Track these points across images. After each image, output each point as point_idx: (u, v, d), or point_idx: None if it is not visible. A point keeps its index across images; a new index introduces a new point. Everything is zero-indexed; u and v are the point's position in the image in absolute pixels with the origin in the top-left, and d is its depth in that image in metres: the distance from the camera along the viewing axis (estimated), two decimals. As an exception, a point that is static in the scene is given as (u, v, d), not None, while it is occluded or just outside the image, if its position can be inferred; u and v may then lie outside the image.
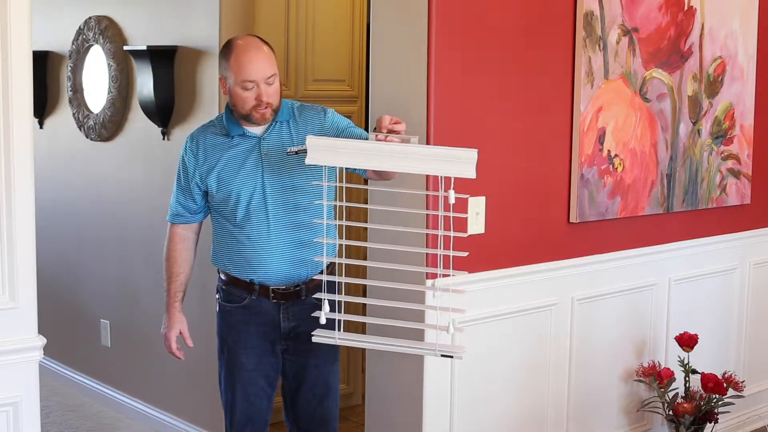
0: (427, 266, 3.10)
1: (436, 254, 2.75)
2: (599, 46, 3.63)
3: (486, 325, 3.41)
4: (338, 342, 2.81)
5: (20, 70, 2.42)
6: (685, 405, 3.83)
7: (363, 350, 3.99)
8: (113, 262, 4.77)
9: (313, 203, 2.91)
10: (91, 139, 4.83)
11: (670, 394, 3.89)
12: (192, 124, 4.00)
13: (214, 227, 3.05)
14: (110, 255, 4.79)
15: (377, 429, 3.44)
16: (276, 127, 2.96)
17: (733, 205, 4.33)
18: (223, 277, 3.06)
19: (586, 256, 3.74)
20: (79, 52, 4.85)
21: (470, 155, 2.60)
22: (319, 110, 3.02)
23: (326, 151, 2.69)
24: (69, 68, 4.93)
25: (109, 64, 4.62)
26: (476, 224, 3.33)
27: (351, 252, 4.25)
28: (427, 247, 3.10)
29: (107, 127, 4.68)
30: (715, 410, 3.87)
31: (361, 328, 3.56)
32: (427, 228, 3.08)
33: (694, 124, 4.10)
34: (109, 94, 4.64)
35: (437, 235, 2.74)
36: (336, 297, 2.82)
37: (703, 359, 4.08)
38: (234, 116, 2.94)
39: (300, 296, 2.99)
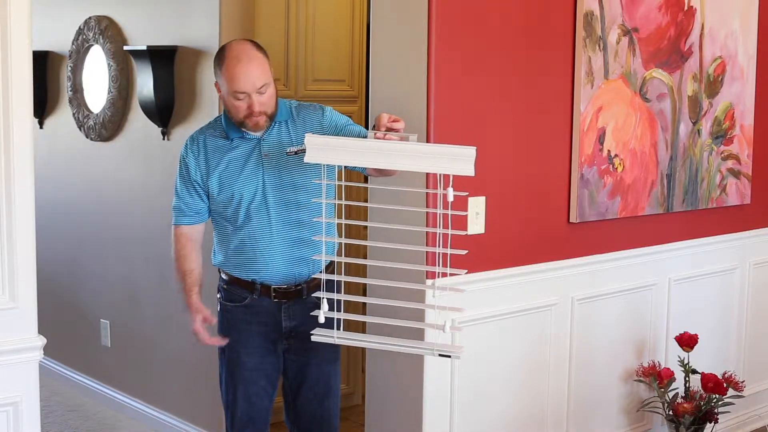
0: (427, 265, 3.10)
1: (436, 253, 2.75)
2: (599, 46, 3.63)
3: (486, 325, 3.42)
4: (337, 341, 2.81)
5: (20, 70, 2.42)
6: (685, 405, 3.83)
7: (363, 350, 3.99)
8: (113, 262, 4.77)
9: (312, 201, 2.91)
10: (91, 139, 4.83)
11: (670, 394, 3.89)
12: (192, 124, 4.00)
13: (215, 227, 3.05)
14: (110, 255, 4.79)
15: (377, 429, 3.44)
16: (275, 128, 2.96)
17: (733, 205, 4.33)
18: (224, 276, 3.06)
19: (586, 256, 3.74)
20: (79, 52, 4.85)
21: (468, 153, 2.60)
22: (318, 109, 3.02)
23: (325, 150, 2.69)
24: (69, 68, 4.93)
25: (109, 64, 4.62)
26: (476, 224, 3.33)
27: (351, 251, 4.26)
28: (427, 245, 3.10)
29: (107, 127, 4.68)
30: (715, 410, 3.87)
31: (362, 328, 3.56)
32: (427, 227, 3.08)
33: (694, 124, 4.10)
34: (109, 94, 4.64)
35: (437, 234, 2.75)
36: (334, 296, 2.82)
37: (703, 359, 4.08)
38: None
39: (301, 295, 2.99)
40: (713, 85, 4.16)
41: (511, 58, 3.42)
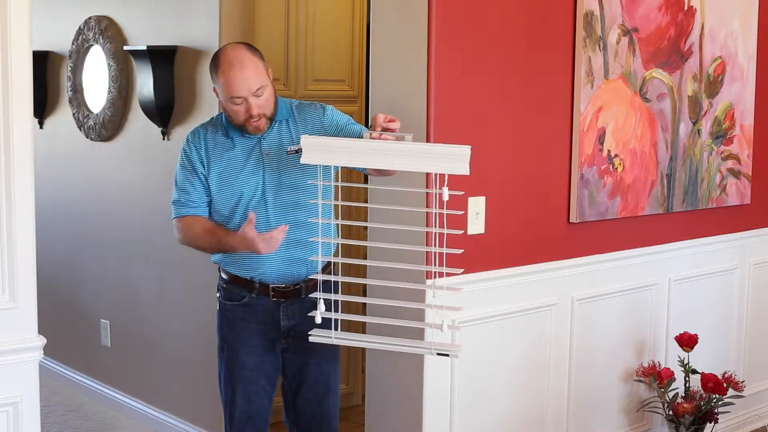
0: (426, 265, 3.10)
1: (435, 252, 2.75)
2: (599, 46, 3.63)
3: (486, 325, 3.42)
4: (334, 341, 2.81)
5: (20, 70, 2.42)
6: (685, 405, 3.83)
7: (363, 350, 3.99)
8: (113, 262, 4.77)
9: (309, 202, 2.91)
10: (91, 139, 4.83)
11: (670, 394, 3.89)
12: (192, 124, 4.00)
13: (213, 225, 3.04)
14: (110, 255, 4.79)
15: (377, 429, 3.44)
16: (276, 127, 2.96)
17: (733, 205, 4.33)
18: (224, 275, 3.06)
19: (586, 256, 3.74)
20: (79, 52, 4.85)
21: (463, 152, 2.61)
22: (318, 108, 3.03)
23: (320, 150, 2.70)
24: (69, 68, 4.93)
25: (109, 64, 4.62)
26: (476, 224, 3.33)
27: (352, 251, 4.27)
28: (426, 245, 3.10)
29: (107, 127, 4.68)
30: (715, 410, 3.87)
31: (362, 328, 3.56)
32: (427, 226, 3.08)
33: (694, 124, 4.10)
34: (109, 94, 4.64)
35: (434, 234, 2.75)
36: (331, 296, 2.82)
37: (703, 359, 4.08)
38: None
39: (300, 295, 2.99)
40: (713, 85, 4.16)
41: (511, 58, 3.42)
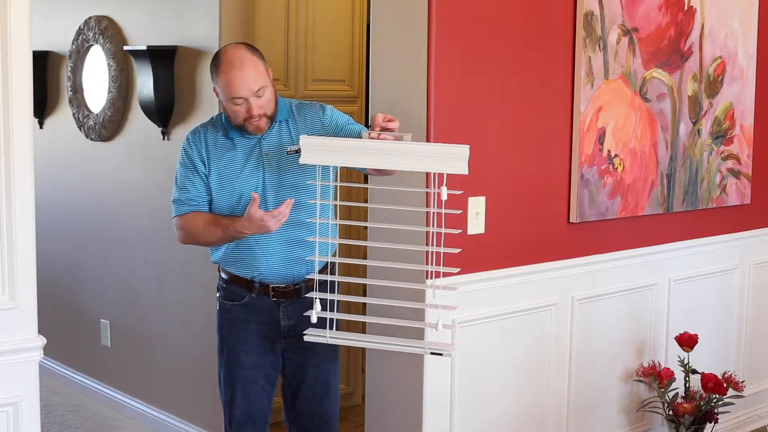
0: (425, 264, 3.10)
1: (433, 252, 2.76)
2: (599, 46, 3.63)
3: (486, 325, 3.42)
4: (330, 341, 2.82)
5: (20, 70, 2.42)
6: (685, 405, 3.83)
7: (363, 350, 3.99)
8: (113, 262, 4.77)
9: (308, 202, 2.91)
10: (91, 139, 4.83)
11: (670, 394, 3.89)
12: (192, 124, 4.00)
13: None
14: (110, 255, 4.79)
15: (377, 429, 3.44)
16: (275, 127, 2.97)
17: (733, 205, 4.33)
18: (223, 275, 3.06)
19: (586, 256, 3.74)
20: (79, 52, 4.85)
21: (462, 151, 2.61)
22: (318, 108, 3.03)
23: (319, 151, 2.70)
24: (69, 68, 4.93)
25: (109, 64, 4.62)
26: (476, 224, 3.33)
27: (352, 251, 4.27)
28: (426, 245, 3.10)
29: (107, 127, 4.68)
30: (715, 410, 3.87)
31: (362, 328, 3.56)
32: (426, 226, 3.08)
33: (694, 124, 4.10)
34: (109, 94, 4.64)
35: (432, 233, 2.75)
36: (327, 296, 2.82)
37: (703, 359, 4.08)
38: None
39: (299, 295, 2.99)
40: (713, 85, 4.16)
41: (511, 58, 3.42)
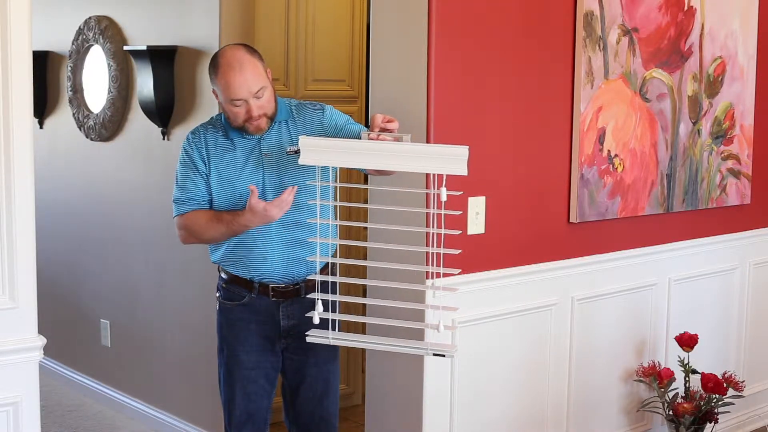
0: (425, 265, 3.10)
1: (433, 253, 2.76)
2: (599, 46, 3.63)
3: (486, 325, 3.42)
4: (332, 342, 2.81)
5: (20, 70, 2.42)
6: (685, 405, 3.83)
7: (363, 350, 3.99)
8: (113, 262, 4.77)
9: (308, 202, 2.91)
10: (91, 139, 4.83)
11: (670, 394, 3.89)
12: (192, 124, 4.00)
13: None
14: (110, 255, 4.79)
15: (377, 429, 3.44)
16: (275, 127, 2.97)
17: (733, 205, 4.33)
18: (223, 275, 3.06)
19: (586, 256, 3.74)
20: (79, 52, 4.85)
21: (461, 152, 2.61)
22: (318, 108, 3.03)
23: (319, 151, 2.70)
24: (69, 68, 4.93)
25: (109, 64, 4.62)
26: (476, 224, 3.33)
27: (352, 251, 4.27)
28: (426, 246, 3.10)
29: (107, 127, 4.68)
30: (715, 410, 3.87)
31: (362, 329, 3.56)
32: (426, 227, 3.08)
33: (694, 124, 4.10)
34: (109, 94, 4.64)
35: (432, 234, 2.75)
36: (329, 297, 2.82)
37: (703, 359, 4.08)
38: None
39: (300, 295, 2.99)
40: (713, 85, 4.16)
41: (511, 58, 3.42)
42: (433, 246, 2.74)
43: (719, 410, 3.89)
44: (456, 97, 3.26)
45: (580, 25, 3.57)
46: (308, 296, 2.91)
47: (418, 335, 3.02)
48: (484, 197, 3.35)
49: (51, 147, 5.14)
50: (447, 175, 2.66)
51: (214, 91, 2.93)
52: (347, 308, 3.80)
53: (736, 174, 4.32)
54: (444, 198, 2.64)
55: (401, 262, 3.01)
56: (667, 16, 3.90)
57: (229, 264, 3.02)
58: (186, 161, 2.98)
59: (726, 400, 3.89)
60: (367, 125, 2.98)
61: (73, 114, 4.94)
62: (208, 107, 4.02)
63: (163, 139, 4.32)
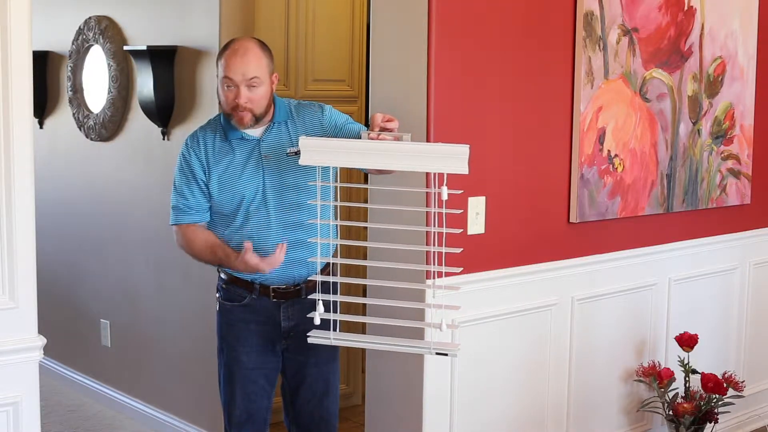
0: (426, 264, 3.10)
1: (434, 252, 2.75)
2: (599, 46, 3.63)
3: (486, 325, 3.42)
4: (333, 342, 2.81)
5: (20, 70, 2.42)
6: (685, 405, 3.83)
7: (363, 350, 3.99)
8: (113, 262, 4.77)
9: (308, 203, 2.91)
10: (91, 139, 4.83)
11: (670, 394, 3.89)
12: (192, 124, 4.01)
13: (213, 226, 3.03)
14: (110, 255, 4.79)
15: (377, 429, 3.44)
16: (274, 128, 2.96)
17: (733, 205, 4.33)
18: (223, 276, 3.06)
19: (586, 256, 3.74)
20: (79, 52, 4.85)
21: (462, 151, 2.60)
22: (317, 108, 3.02)
23: (319, 151, 2.70)
24: (69, 68, 4.93)
25: (109, 64, 4.62)
26: (476, 224, 3.33)
27: (352, 251, 4.27)
28: (426, 245, 3.10)
29: (107, 127, 4.68)
30: (715, 410, 3.88)
31: (362, 329, 3.56)
32: (427, 226, 3.08)
33: (694, 124, 4.10)
34: (109, 94, 4.64)
35: (433, 233, 2.75)
36: (330, 297, 2.82)
37: (703, 359, 4.08)
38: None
39: (300, 295, 2.99)
40: (713, 85, 4.17)
41: (511, 58, 3.42)
42: (434, 245, 2.74)
43: (719, 410, 3.89)
44: (456, 97, 3.26)
45: (580, 25, 3.57)
46: (309, 297, 2.91)
47: (419, 335, 3.02)
48: (484, 197, 3.35)
49: (51, 147, 5.14)
50: (447, 175, 2.66)
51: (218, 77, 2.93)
52: (348, 308, 3.80)
53: (736, 174, 4.33)
54: (445, 197, 2.64)
55: (401, 262, 3.01)
56: (667, 16, 3.90)
57: (230, 266, 3.02)
58: (183, 169, 2.98)
59: (726, 400, 3.89)
60: (367, 125, 2.98)
61: (73, 114, 4.94)
62: (208, 107, 4.02)
63: (163, 139, 4.32)
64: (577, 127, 3.60)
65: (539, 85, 3.51)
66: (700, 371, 3.92)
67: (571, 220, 3.65)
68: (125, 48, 4.43)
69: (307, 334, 2.83)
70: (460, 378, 3.35)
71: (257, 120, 2.91)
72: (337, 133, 2.97)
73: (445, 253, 2.73)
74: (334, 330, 2.80)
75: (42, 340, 2.52)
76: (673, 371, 3.89)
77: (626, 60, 3.75)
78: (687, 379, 3.93)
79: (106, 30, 4.61)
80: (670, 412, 3.87)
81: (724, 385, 3.86)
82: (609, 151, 3.72)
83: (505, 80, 3.41)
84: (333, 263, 3.04)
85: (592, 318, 3.79)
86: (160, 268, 4.44)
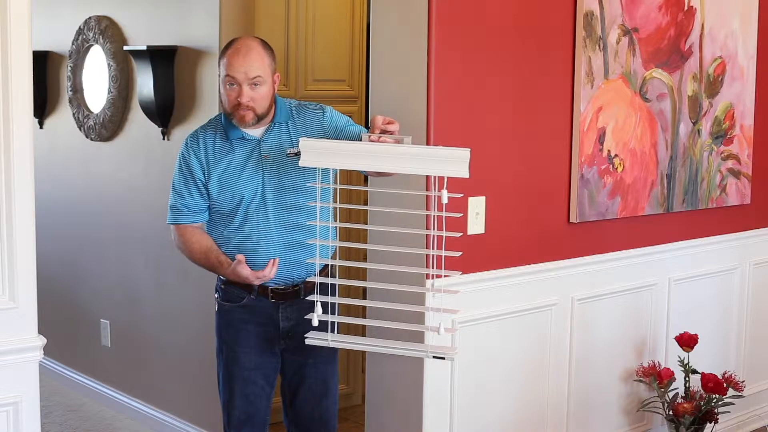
0: (426, 267, 3.10)
1: (434, 255, 2.75)
2: (599, 46, 3.63)
3: (486, 325, 3.42)
4: (331, 344, 2.81)
5: (20, 70, 2.42)
6: (685, 405, 3.83)
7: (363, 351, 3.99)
8: (113, 262, 4.77)
9: (308, 204, 2.91)
10: (91, 139, 4.83)
11: (670, 394, 3.89)
12: (192, 124, 4.00)
13: (210, 228, 3.03)
14: (110, 255, 4.79)
15: (377, 429, 3.44)
16: (275, 129, 2.96)
17: (733, 205, 4.33)
18: (221, 276, 3.05)
19: (586, 256, 3.74)
20: (79, 52, 4.85)
21: (462, 154, 2.60)
22: (318, 109, 3.02)
23: (319, 153, 2.70)
24: (69, 68, 4.93)
25: (109, 64, 4.62)
26: (476, 224, 3.33)
27: (352, 253, 4.26)
28: (426, 247, 3.10)
29: (107, 127, 4.68)
30: (715, 410, 3.88)
31: (361, 330, 3.55)
32: (426, 229, 3.08)
33: (694, 124, 4.10)
34: (109, 94, 4.64)
35: (432, 236, 2.75)
36: (328, 299, 2.82)
37: (703, 359, 4.08)
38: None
39: (299, 296, 2.99)
40: (713, 85, 4.17)
41: (511, 58, 3.42)
42: (433, 248, 2.74)
43: (719, 410, 3.89)
44: (456, 97, 3.26)
45: (580, 25, 3.57)
46: (308, 298, 2.90)
47: (419, 337, 3.01)
48: (484, 197, 3.35)
49: (51, 147, 5.14)
50: (447, 177, 2.65)
51: (219, 89, 2.93)
52: (347, 310, 3.80)
53: (736, 174, 4.33)
54: (445, 200, 2.64)
55: (401, 264, 3.00)
56: (667, 16, 3.90)
57: (229, 267, 3.02)
58: (182, 169, 2.98)
59: (726, 400, 3.89)
60: (367, 126, 2.98)
61: (73, 114, 4.95)
62: (208, 107, 4.02)
63: (163, 139, 4.32)
64: (577, 127, 3.60)
65: (539, 85, 3.51)
66: (700, 371, 3.93)
67: (571, 220, 3.65)
68: (125, 48, 4.43)
69: (305, 336, 2.83)
70: (460, 378, 3.35)
71: (259, 119, 2.91)
72: (337, 134, 2.97)
73: (445, 255, 2.73)
74: (333, 332, 2.80)
75: (42, 340, 2.52)
76: (673, 371, 3.89)
77: (626, 60, 3.75)
78: (687, 379, 3.93)
79: (106, 30, 4.61)
80: (670, 412, 3.87)
81: (724, 385, 3.86)
82: (609, 151, 3.72)
83: (505, 80, 3.41)
84: (331, 265, 3.03)
85: (592, 318, 3.79)
86: (160, 268, 4.44)
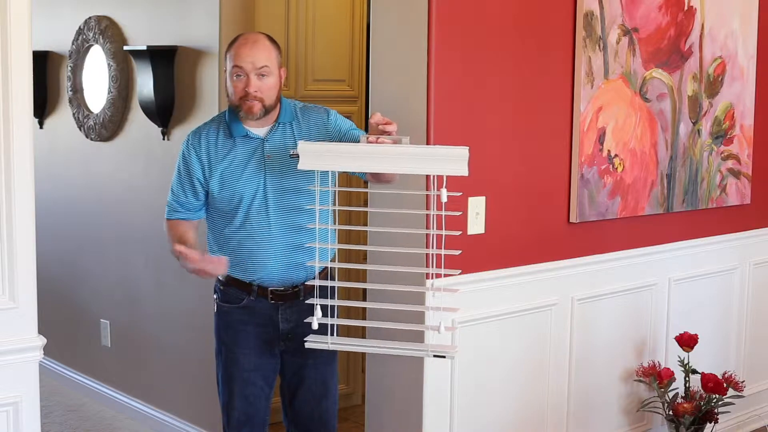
0: (425, 267, 3.10)
1: (433, 254, 2.75)
2: (599, 46, 3.63)
3: (486, 325, 3.42)
4: (331, 347, 2.81)
5: (20, 70, 2.42)
6: (685, 405, 3.83)
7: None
8: (113, 262, 4.77)
9: (306, 207, 2.90)
10: (91, 139, 4.83)
11: (670, 394, 3.89)
12: (192, 124, 4.00)
13: (211, 226, 3.04)
14: (110, 255, 4.79)
15: (377, 429, 3.44)
16: (279, 129, 2.96)
17: (733, 205, 4.33)
18: (220, 277, 3.05)
19: (586, 256, 3.74)
20: (79, 52, 4.85)
21: (461, 153, 2.60)
22: (322, 111, 3.02)
23: (318, 156, 2.70)
24: (69, 68, 4.93)
25: (109, 64, 4.62)
26: (476, 224, 3.33)
27: (352, 255, 4.26)
28: (426, 247, 3.10)
29: (107, 127, 4.68)
30: (715, 410, 3.88)
31: (361, 332, 3.55)
32: (426, 228, 3.08)
33: (694, 124, 4.10)
34: (109, 94, 4.64)
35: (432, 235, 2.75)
36: (328, 302, 2.81)
37: (703, 359, 4.08)
38: (235, 113, 2.94)
39: (299, 297, 2.98)
40: (713, 85, 4.17)
41: (511, 58, 3.42)
42: (433, 247, 2.74)
43: (719, 410, 3.89)
44: (456, 97, 3.26)
45: (580, 25, 3.57)
46: (307, 301, 2.90)
47: (419, 336, 3.02)
48: (484, 197, 3.35)
49: (51, 147, 5.14)
50: (447, 176, 2.65)
51: (224, 72, 2.93)
52: (347, 311, 3.80)
53: (736, 174, 4.33)
54: (444, 199, 2.64)
55: (401, 264, 3.00)
56: (667, 16, 3.90)
57: (228, 268, 3.00)
58: (182, 167, 2.98)
59: (726, 400, 3.89)
60: (366, 126, 2.98)
61: (73, 114, 4.95)
62: (208, 107, 4.02)
63: (163, 139, 4.32)
64: (577, 127, 3.60)
65: (539, 85, 3.51)
66: (700, 371, 3.93)
67: (571, 220, 3.65)
68: (125, 48, 4.43)
69: (305, 339, 2.83)
70: (460, 378, 3.35)
71: (266, 111, 2.90)
72: (341, 138, 2.96)
73: (445, 254, 2.73)
74: (332, 334, 2.80)
75: (42, 340, 2.52)
76: (673, 371, 3.89)
77: (626, 60, 3.75)
78: (687, 379, 3.93)
79: (106, 30, 4.61)
80: (670, 412, 3.87)
81: (724, 385, 3.86)
82: (609, 151, 3.72)
83: (505, 80, 3.41)
84: (331, 267, 3.03)
85: (592, 318, 3.79)
86: (159, 267, 4.44)
